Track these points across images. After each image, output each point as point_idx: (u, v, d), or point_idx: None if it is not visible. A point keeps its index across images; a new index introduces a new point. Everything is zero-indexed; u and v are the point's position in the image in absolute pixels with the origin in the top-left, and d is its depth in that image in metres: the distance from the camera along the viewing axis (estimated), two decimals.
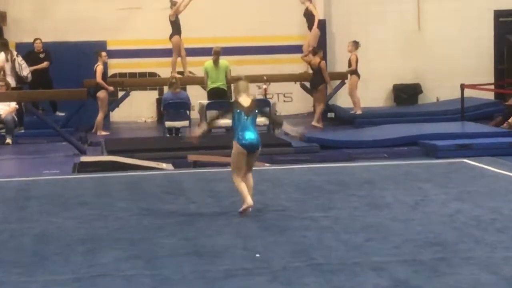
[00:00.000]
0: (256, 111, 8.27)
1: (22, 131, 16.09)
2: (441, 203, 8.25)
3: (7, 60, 16.67)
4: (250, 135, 8.09)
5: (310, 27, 18.17)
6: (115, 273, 5.88)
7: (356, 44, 17.44)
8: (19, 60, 16.91)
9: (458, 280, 5.53)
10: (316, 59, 16.92)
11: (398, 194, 8.74)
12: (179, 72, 17.43)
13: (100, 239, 6.95)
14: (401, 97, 20.25)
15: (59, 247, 6.72)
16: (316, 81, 16.92)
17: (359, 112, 17.33)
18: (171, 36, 17.18)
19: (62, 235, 7.15)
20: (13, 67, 16.75)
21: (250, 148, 8.07)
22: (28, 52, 17.42)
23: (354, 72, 17.27)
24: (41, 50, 17.61)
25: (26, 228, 7.47)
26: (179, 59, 17.40)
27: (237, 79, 8.50)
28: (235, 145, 8.05)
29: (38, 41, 17.67)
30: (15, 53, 17.09)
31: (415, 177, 9.84)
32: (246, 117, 8.16)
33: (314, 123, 16.82)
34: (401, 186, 9.21)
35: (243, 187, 7.85)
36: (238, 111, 8.13)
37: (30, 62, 17.03)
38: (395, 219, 7.52)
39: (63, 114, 16.97)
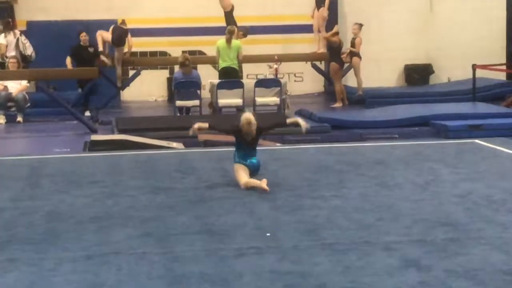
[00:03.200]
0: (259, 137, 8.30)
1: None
2: (452, 183, 8.24)
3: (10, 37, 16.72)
4: (251, 160, 8.28)
5: (318, 7, 18.11)
6: (126, 251, 5.91)
7: (360, 27, 17.44)
8: (23, 39, 16.93)
9: (469, 260, 5.54)
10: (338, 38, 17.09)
11: (409, 174, 8.74)
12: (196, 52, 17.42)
13: (111, 217, 6.98)
14: (413, 78, 20.22)
15: (70, 224, 6.74)
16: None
17: (360, 93, 17.43)
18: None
19: (74, 213, 7.18)
20: (17, 46, 16.77)
21: (251, 168, 8.23)
22: (75, 47, 16.71)
23: (357, 54, 17.27)
24: (88, 44, 16.81)
25: (38, 206, 7.50)
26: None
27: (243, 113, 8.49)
28: (236, 165, 8.22)
29: (83, 34, 16.81)
30: (18, 32, 17.09)
31: (426, 158, 9.83)
32: (248, 146, 8.28)
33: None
34: (412, 166, 9.20)
35: (253, 182, 7.98)
36: (241, 140, 8.23)
37: (79, 58, 16.42)
38: (406, 199, 7.52)
39: (89, 114, 16.16)
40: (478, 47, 19.23)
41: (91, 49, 16.71)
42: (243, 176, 8.10)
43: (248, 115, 8.28)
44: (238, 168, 8.19)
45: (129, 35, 17.07)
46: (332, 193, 7.82)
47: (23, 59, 16.74)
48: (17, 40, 16.83)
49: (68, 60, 16.47)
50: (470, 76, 16.70)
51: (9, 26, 17.03)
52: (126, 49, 17.13)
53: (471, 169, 9.00)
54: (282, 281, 5.17)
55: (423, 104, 15.58)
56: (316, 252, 5.79)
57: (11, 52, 16.59)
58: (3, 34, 16.77)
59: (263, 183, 7.88)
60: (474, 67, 16.60)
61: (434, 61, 20.22)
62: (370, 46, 18.14)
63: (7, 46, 16.70)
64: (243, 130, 8.20)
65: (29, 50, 16.94)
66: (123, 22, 16.98)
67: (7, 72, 15.46)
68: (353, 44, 17.27)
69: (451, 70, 19.68)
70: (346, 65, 17.59)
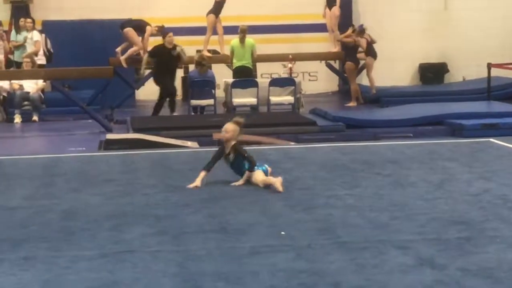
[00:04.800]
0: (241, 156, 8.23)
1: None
2: (466, 182, 8.22)
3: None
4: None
5: (330, 6, 18.10)
6: (141, 249, 5.92)
7: (361, 28, 17.44)
8: (44, 37, 17.04)
9: (484, 258, 5.52)
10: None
11: (423, 173, 8.72)
12: (210, 51, 17.39)
13: (126, 215, 7.00)
14: (427, 76, 20.20)
15: (85, 223, 6.77)
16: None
17: (373, 91, 17.47)
18: (207, 13, 17.17)
19: (89, 211, 7.21)
20: (45, 45, 16.90)
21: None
22: (157, 47, 15.92)
23: (370, 53, 17.27)
24: (172, 46, 15.67)
25: (53, 204, 7.54)
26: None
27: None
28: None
29: (170, 34, 15.74)
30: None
31: (440, 156, 9.81)
32: (229, 164, 8.30)
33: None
34: (426, 165, 9.18)
35: (269, 179, 8.05)
36: (224, 157, 8.29)
37: (160, 59, 15.56)
38: (420, 198, 7.51)
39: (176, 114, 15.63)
40: (493, 45, 19.19)
41: (174, 52, 15.71)
42: (259, 174, 8.12)
43: (228, 124, 8.26)
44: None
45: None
46: (346, 192, 7.81)
47: (49, 57, 16.85)
48: (44, 38, 16.94)
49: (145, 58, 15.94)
50: (485, 75, 16.66)
51: (33, 25, 17.14)
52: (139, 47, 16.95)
53: (485, 168, 8.97)
54: (297, 279, 5.17)
55: (438, 103, 15.56)
56: (331, 250, 5.79)
57: (41, 51, 16.71)
58: (36, 31, 16.84)
59: (278, 182, 7.88)
60: (489, 65, 16.56)
61: (449, 60, 20.18)
62: (384, 45, 18.12)
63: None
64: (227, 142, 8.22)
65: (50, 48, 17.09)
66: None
67: (23, 72, 15.53)
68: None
69: (466, 69, 19.64)
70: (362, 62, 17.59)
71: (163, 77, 15.53)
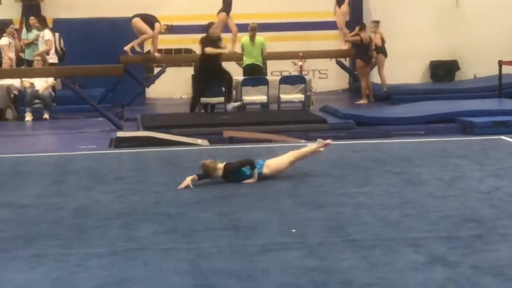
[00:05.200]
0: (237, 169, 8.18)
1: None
2: (477, 179, 8.19)
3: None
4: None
5: (339, 4, 18.08)
6: (152, 246, 5.93)
7: (377, 24, 17.43)
8: (57, 36, 17.08)
9: (496, 256, 5.50)
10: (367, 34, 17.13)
11: (435, 170, 8.70)
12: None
13: (137, 213, 7.00)
14: (438, 74, 20.16)
15: (96, 220, 6.78)
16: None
17: (384, 89, 17.47)
18: (218, 12, 17.14)
19: (100, 209, 7.22)
20: (58, 44, 16.94)
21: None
22: (204, 39, 15.37)
23: (381, 51, 17.25)
24: (217, 36, 15.32)
25: (64, 202, 7.54)
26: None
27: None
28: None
29: (215, 25, 15.45)
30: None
31: (451, 154, 9.78)
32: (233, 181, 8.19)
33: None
34: (437, 163, 9.16)
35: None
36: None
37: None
38: (431, 195, 7.49)
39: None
40: (505, 43, 19.13)
41: (220, 43, 15.36)
42: (272, 163, 8.20)
43: (207, 163, 8.10)
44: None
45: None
46: (357, 189, 7.80)
47: (62, 56, 16.88)
48: (58, 37, 16.97)
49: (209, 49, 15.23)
50: (496, 72, 16.62)
51: (46, 23, 17.16)
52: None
53: (497, 165, 8.94)
54: (308, 277, 5.17)
55: (449, 100, 15.53)
56: (342, 248, 5.78)
57: (52, 49, 16.74)
58: (47, 30, 16.86)
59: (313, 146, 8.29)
60: (501, 63, 16.52)
61: (460, 58, 20.13)
62: (395, 43, 18.10)
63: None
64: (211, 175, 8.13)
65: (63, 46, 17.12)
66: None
67: (34, 70, 15.57)
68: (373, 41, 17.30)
69: (477, 66, 19.60)
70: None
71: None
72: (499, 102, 15.27)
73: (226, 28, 17.17)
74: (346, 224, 6.46)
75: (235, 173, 8.14)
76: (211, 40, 15.14)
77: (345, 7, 18.07)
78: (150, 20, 16.81)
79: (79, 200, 7.60)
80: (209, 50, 14.94)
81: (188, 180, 7.99)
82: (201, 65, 15.31)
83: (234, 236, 6.18)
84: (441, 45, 20.01)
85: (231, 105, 15.10)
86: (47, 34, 16.80)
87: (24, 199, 7.71)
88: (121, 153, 10.68)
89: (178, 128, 12.75)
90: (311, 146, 8.53)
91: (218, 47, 15.16)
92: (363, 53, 17.12)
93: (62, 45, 17.12)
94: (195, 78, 15.98)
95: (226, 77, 15.29)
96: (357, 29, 17.56)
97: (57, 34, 17.05)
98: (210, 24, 15.33)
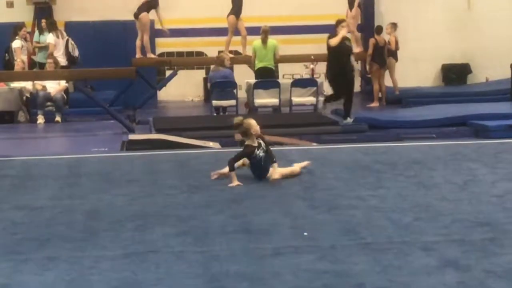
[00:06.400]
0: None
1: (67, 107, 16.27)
2: (490, 183, 8.17)
3: (57, 37, 16.85)
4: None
5: (350, 7, 18.05)
6: (164, 249, 5.93)
7: (394, 26, 17.41)
8: (71, 41, 17.09)
9: (509, 260, 5.48)
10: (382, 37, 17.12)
11: (447, 174, 8.68)
12: (232, 51, 17.39)
13: (149, 216, 7.01)
14: (450, 77, 20.12)
15: (109, 223, 6.79)
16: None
17: (396, 92, 17.47)
18: (228, 15, 17.15)
19: (112, 211, 7.23)
20: (66, 47, 16.95)
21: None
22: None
23: (393, 54, 17.24)
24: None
25: (76, 204, 7.56)
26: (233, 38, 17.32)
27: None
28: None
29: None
30: (64, 33, 17.26)
31: (464, 157, 9.75)
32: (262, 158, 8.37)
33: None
34: (450, 166, 9.14)
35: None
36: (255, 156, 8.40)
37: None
38: (444, 199, 7.47)
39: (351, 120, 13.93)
40: None
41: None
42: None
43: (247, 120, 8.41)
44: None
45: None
46: (369, 192, 7.79)
47: (71, 60, 16.90)
48: (67, 41, 16.99)
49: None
50: (509, 75, 16.57)
51: (55, 26, 17.19)
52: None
53: (509, 169, 8.91)
54: (320, 280, 5.17)
55: (461, 104, 15.49)
56: (354, 251, 5.78)
57: (59, 52, 16.76)
58: (51, 34, 16.90)
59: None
60: None
61: (472, 61, 20.08)
62: (407, 45, 18.08)
63: (55, 46, 16.86)
64: (253, 135, 8.29)
65: (76, 52, 17.11)
66: None
67: (46, 73, 15.61)
68: (388, 44, 17.26)
69: (489, 70, 19.54)
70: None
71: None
72: None
73: (236, 31, 17.17)
74: (358, 227, 6.45)
75: (267, 151, 8.27)
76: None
77: (355, 10, 18.05)
78: (153, 4, 16.93)
79: (92, 203, 7.62)
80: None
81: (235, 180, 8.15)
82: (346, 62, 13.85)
83: (246, 239, 6.18)
84: (453, 48, 19.97)
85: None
86: (49, 37, 16.85)
87: (37, 201, 7.73)
88: (133, 155, 10.69)
89: (189, 131, 12.77)
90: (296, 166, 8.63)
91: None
92: (378, 56, 17.09)
93: (70, 49, 17.08)
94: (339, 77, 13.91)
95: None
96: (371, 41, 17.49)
97: (68, 39, 17.04)
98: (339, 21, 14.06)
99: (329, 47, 13.58)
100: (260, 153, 8.34)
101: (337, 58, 13.60)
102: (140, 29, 16.90)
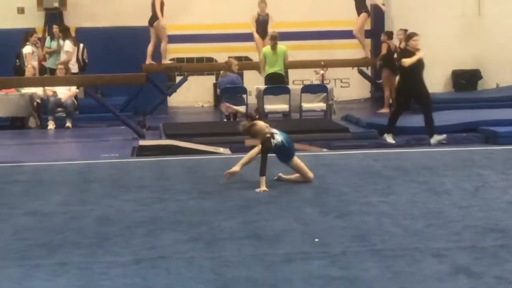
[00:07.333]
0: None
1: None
2: (501, 189, 8.15)
3: (74, 45, 16.91)
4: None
5: (358, 13, 17.98)
6: (175, 255, 5.93)
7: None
8: (81, 47, 17.14)
9: None
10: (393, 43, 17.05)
11: (458, 180, 8.66)
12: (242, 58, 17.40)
13: (159, 222, 7.01)
14: (460, 83, 20.07)
15: (119, 229, 6.79)
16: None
17: None
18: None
19: (123, 217, 7.23)
20: (81, 54, 17.00)
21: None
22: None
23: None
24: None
25: (87, 210, 7.57)
26: None
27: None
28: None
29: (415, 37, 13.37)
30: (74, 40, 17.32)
31: (474, 164, 9.73)
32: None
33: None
34: (460, 173, 9.12)
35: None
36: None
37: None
38: (455, 205, 7.45)
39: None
40: None
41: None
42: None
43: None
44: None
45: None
46: (380, 198, 7.77)
47: (82, 68, 16.94)
48: (82, 47, 17.02)
49: None
50: None
51: (69, 33, 17.22)
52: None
53: None
54: (331, 286, 5.16)
55: (471, 110, 15.44)
56: (365, 257, 5.76)
57: (73, 60, 16.79)
58: (68, 41, 16.90)
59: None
60: None
61: (482, 66, 20.03)
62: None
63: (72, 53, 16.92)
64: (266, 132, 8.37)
65: (86, 58, 17.18)
66: None
67: (57, 78, 15.65)
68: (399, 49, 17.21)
69: (500, 76, 19.49)
70: None
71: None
72: None
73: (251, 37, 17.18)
74: (369, 233, 6.43)
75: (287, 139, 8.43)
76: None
77: (362, 15, 18.02)
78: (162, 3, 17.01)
79: (102, 208, 7.62)
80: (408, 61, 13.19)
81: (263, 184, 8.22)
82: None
83: (257, 245, 6.17)
84: (463, 54, 19.93)
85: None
86: (67, 45, 16.86)
87: (47, 207, 7.74)
88: (144, 161, 10.70)
89: (200, 136, 12.77)
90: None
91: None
92: (390, 62, 17.03)
93: (85, 56, 17.14)
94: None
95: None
96: (383, 37, 17.46)
97: (81, 45, 17.09)
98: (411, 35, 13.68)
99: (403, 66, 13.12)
100: (278, 137, 8.37)
101: (414, 74, 13.17)
102: (157, 36, 16.91)
